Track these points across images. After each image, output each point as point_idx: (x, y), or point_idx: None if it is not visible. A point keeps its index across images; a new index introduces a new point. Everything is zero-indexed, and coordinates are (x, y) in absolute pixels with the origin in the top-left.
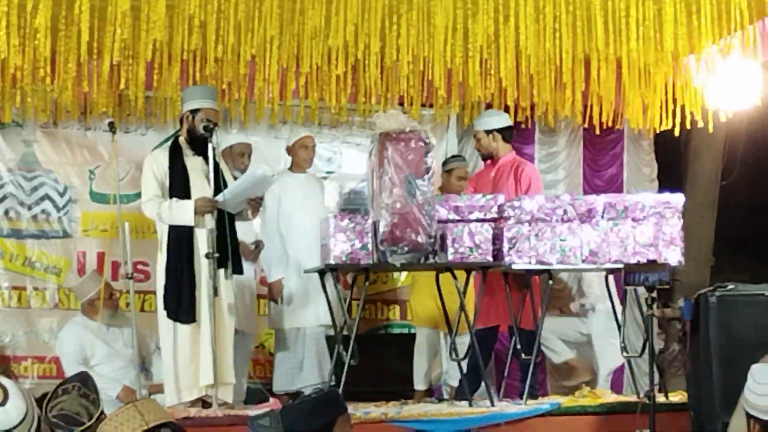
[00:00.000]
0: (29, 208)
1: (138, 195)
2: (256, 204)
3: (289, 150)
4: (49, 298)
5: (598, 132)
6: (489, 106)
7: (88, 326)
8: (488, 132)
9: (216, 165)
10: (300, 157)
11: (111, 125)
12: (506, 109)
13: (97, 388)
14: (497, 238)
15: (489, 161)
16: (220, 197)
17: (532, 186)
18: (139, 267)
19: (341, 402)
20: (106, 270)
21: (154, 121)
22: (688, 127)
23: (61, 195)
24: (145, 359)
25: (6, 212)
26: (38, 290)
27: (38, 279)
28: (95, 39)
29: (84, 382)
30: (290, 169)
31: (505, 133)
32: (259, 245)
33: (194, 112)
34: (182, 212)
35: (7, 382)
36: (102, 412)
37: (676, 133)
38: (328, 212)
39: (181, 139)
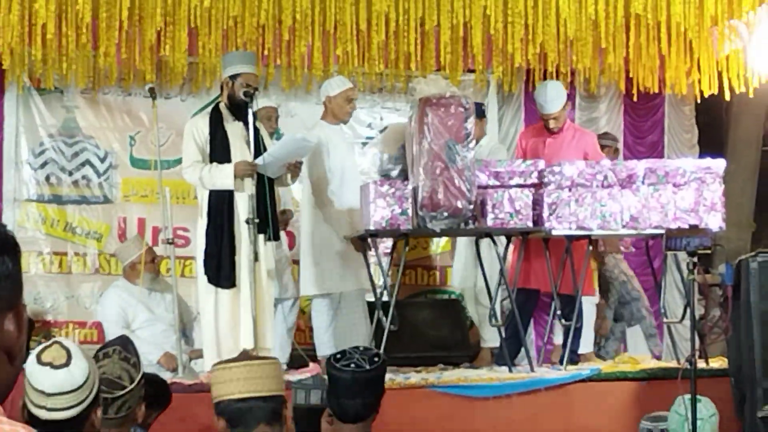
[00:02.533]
0: (70, 173)
1: (178, 161)
2: (295, 169)
3: (330, 100)
4: (90, 264)
5: (639, 98)
6: (529, 72)
7: (130, 290)
8: (564, 107)
9: (256, 130)
10: (343, 109)
11: (152, 91)
12: (545, 75)
13: (137, 352)
14: (537, 204)
15: (542, 128)
16: (260, 160)
17: (594, 157)
18: (180, 232)
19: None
20: (146, 235)
21: (195, 87)
22: (729, 92)
23: (102, 161)
24: (186, 325)
25: (47, 178)
26: (79, 255)
27: (79, 244)
28: (137, 5)
29: (125, 345)
30: (324, 119)
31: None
32: (287, 213)
33: (234, 77)
34: (222, 176)
35: (69, 344)
36: (143, 376)
37: (727, 97)
38: (367, 177)
39: (222, 105)
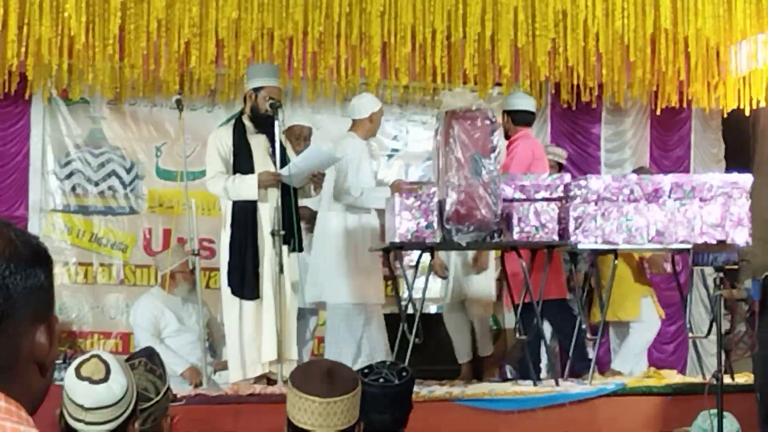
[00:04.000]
0: (96, 184)
1: (204, 172)
2: (318, 180)
3: (366, 119)
4: (115, 274)
5: (665, 112)
6: (557, 85)
7: (164, 299)
8: (505, 112)
9: (280, 143)
10: (376, 126)
11: (178, 102)
12: (573, 89)
13: (163, 364)
14: (563, 218)
15: None
16: (284, 171)
17: (514, 160)
18: (205, 244)
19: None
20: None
21: (221, 98)
22: (756, 106)
23: (128, 171)
24: (215, 341)
25: (73, 188)
26: (104, 266)
27: (105, 255)
28: (165, 16)
29: (150, 357)
30: (354, 131)
31: (516, 116)
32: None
33: (257, 90)
34: (246, 186)
35: (108, 357)
36: (169, 388)
37: (746, 113)
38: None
39: (245, 118)
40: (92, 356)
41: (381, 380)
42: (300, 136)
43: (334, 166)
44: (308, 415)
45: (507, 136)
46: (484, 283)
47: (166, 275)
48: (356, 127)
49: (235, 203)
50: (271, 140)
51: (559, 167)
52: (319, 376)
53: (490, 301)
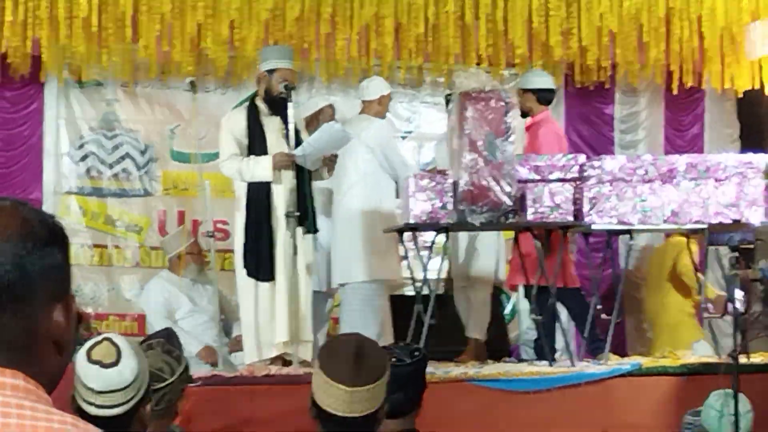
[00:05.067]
0: (110, 166)
1: (218, 154)
2: (331, 163)
3: (377, 102)
4: (130, 257)
5: (679, 92)
6: (570, 66)
7: (174, 281)
8: (525, 91)
9: (294, 125)
10: (384, 109)
11: (192, 84)
12: (584, 70)
13: (181, 345)
14: (578, 198)
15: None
16: (298, 151)
17: (541, 145)
18: (219, 226)
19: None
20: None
21: (235, 80)
22: None
23: (142, 154)
24: (228, 320)
25: (87, 171)
26: (119, 248)
27: (120, 237)
28: None
29: (169, 338)
30: (367, 113)
31: (540, 94)
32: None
33: (271, 72)
34: (260, 168)
35: (119, 340)
36: (185, 369)
37: (766, 92)
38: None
39: (258, 100)
40: (104, 339)
41: (393, 359)
42: (332, 118)
43: (375, 151)
44: (333, 400)
45: (525, 115)
46: (487, 265)
47: (176, 257)
48: (367, 108)
49: (249, 185)
50: (285, 122)
51: None
52: (347, 358)
53: (491, 282)
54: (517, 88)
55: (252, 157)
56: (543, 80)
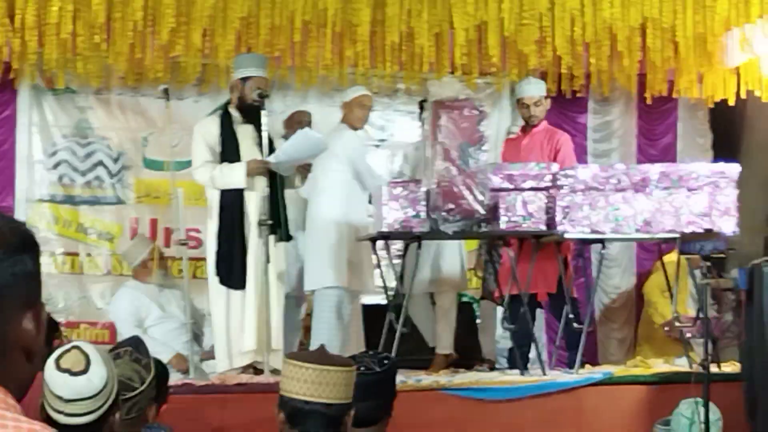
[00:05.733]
0: (83, 174)
1: (191, 162)
2: (305, 171)
3: (344, 105)
4: (102, 264)
5: (652, 101)
6: (544, 75)
7: (142, 289)
8: (546, 97)
9: (267, 133)
10: (355, 114)
11: (165, 92)
12: (560, 78)
13: (149, 353)
14: (550, 207)
15: (521, 130)
16: (272, 158)
17: (567, 155)
18: (192, 234)
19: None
20: (159, 237)
21: (208, 88)
22: (744, 97)
23: (115, 161)
24: (200, 330)
25: (60, 178)
26: (91, 256)
27: (91, 245)
28: (150, 5)
29: (136, 346)
30: (345, 123)
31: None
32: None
33: (244, 80)
34: (234, 175)
35: (88, 348)
36: (154, 377)
37: (731, 102)
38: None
39: (231, 108)
40: (72, 347)
41: (362, 368)
42: (302, 122)
43: (344, 162)
44: (301, 384)
45: (532, 124)
46: (452, 272)
47: (140, 265)
48: (343, 115)
49: (222, 193)
50: (258, 130)
51: None
52: (314, 353)
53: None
54: (540, 95)
55: (225, 164)
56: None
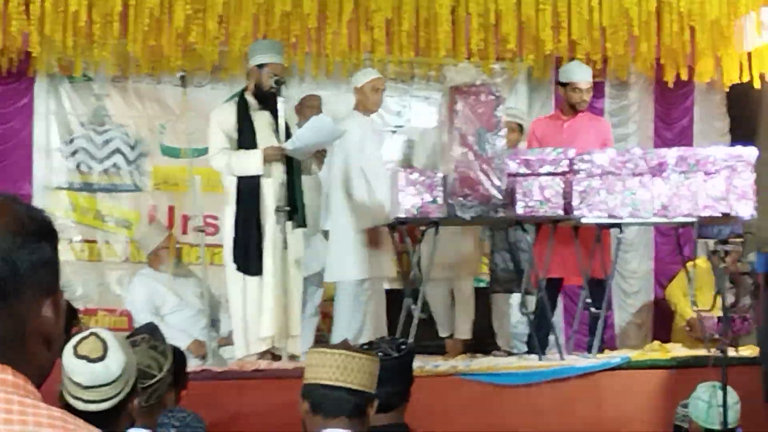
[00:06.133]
0: (100, 161)
1: (208, 149)
2: (320, 156)
3: (357, 90)
4: (120, 252)
5: (669, 86)
6: (559, 60)
7: (156, 277)
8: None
9: (285, 120)
10: (370, 99)
11: (182, 79)
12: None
13: (165, 339)
14: (567, 192)
15: (560, 112)
16: (288, 144)
17: (610, 137)
18: (209, 220)
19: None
20: (176, 224)
21: (225, 75)
22: (760, 80)
23: (132, 149)
24: (217, 316)
25: (77, 166)
26: (109, 243)
27: (109, 232)
28: None
29: (152, 333)
30: (357, 109)
31: None
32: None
33: (261, 66)
34: (250, 162)
35: (107, 335)
36: (172, 363)
37: (756, 86)
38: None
39: (248, 94)
40: (90, 334)
41: (379, 354)
42: (313, 107)
43: (346, 150)
44: (326, 369)
45: (581, 109)
46: (470, 258)
47: (153, 253)
48: (356, 101)
49: (239, 179)
50: (275, 117)
51: (520, 129)
52: (339, 344)
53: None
54: (587, 82)
55: (242, 151)
56: None
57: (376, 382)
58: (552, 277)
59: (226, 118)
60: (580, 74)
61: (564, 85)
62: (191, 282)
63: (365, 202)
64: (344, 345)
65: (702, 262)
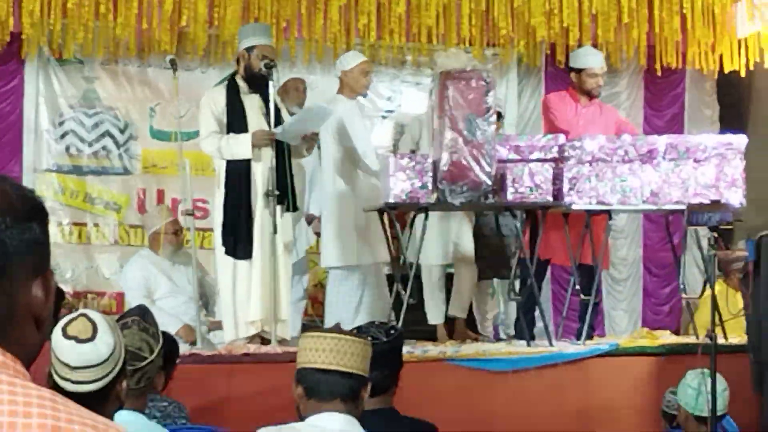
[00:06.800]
0: (90, 144)
1: (198, 133)
2: (311, 141)
3: (345, 74)
4: (109, 235)
5: (660, 73)
6: (552, 46)
7: (154, 260)
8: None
9: (275, 103)
10: (359, 82)
11: (173, 63)
12: (568, 49)
13: (156, 322)
14: (557, 178)
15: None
16: (278, 129)
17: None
18: (199, 204)
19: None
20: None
21: (215, 59)
22: (751, 68)
23: (122, 132)
24: (209, 299)
25: (67, 148)
26: (98, 226)
27: (98, 215)
28: None
29: (143, 315)
30: (341, 93)
31: None
32: (309, 218)
33: (250, 49)
34: (240, 145)
35: (96, 316)
36: (162, 346)
37: (742, 74)
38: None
39: (238, 78)
40: (79, 315)
41: (369, 338)
42: (298, 89)
43: (336, 135)
44: (319, 353)
45: (596, 95)
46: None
47: (154, 235)
48: (342, 86)
49: (228, 163)
50: (265, 100)
51: (499, 116)
52: (331, 328)
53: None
54: (602, 67)
55: (232, 134)
56: None
57: (368, 366)
58: (539, 262)
59: (216, 101)
60: (595, 60)
61: (578, 71)
62: (189, 270)
63: (354, 187)
64: (337, 329)
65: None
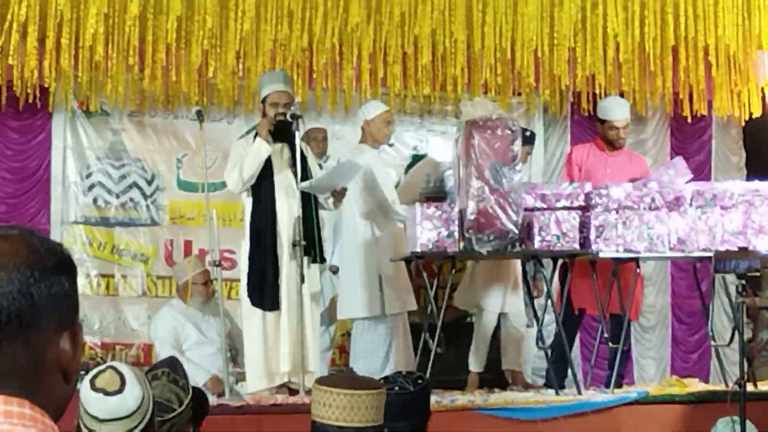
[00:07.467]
0: (117, 196)
1: (225, 184)
2: (341, 195)
3: (367, 123)
4: (137, 286)
5: (685, 120)
6: (577, 94)
7: (183, 310)
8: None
9: (301, 151)
10: (382, 132)
11: (199, 114)
12: (593, 97)
13: (185, 373)
14: (584, 226)
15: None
16: (306, 183)
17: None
18: (226, 255)
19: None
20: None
21: (242, 110)
22: None
23: (149, 183)
24: (239, 351)
25: (94, 200)
26: (126, 278)
27: (126, 267)
28: (183, 28)
29: (173, 367)
30: (365, 143)
31: None
32: (333, 268)
33: (265, 100)
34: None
35: (124, 368)
36: (192, 398)
37: None
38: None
39: None
40: (108, 367)
41: (396, 388)
42: (317, 138)
43: (362, 184)
44: (333, 410)
45: (620, 146)
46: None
47: (185, 285)
48: (365, 135)
49: (254, 214)
50: (292, 150)
51: (528, 139)
52: (344, 377)
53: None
54: (625, 119)
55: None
56: None
57: (382, 412)
58: (572, 311)
59: (244, 149)
60: (618, 112)
61: (602, 121)
62: (217, 321)
63: (379, 236)
64: (348, 380)
65: None
